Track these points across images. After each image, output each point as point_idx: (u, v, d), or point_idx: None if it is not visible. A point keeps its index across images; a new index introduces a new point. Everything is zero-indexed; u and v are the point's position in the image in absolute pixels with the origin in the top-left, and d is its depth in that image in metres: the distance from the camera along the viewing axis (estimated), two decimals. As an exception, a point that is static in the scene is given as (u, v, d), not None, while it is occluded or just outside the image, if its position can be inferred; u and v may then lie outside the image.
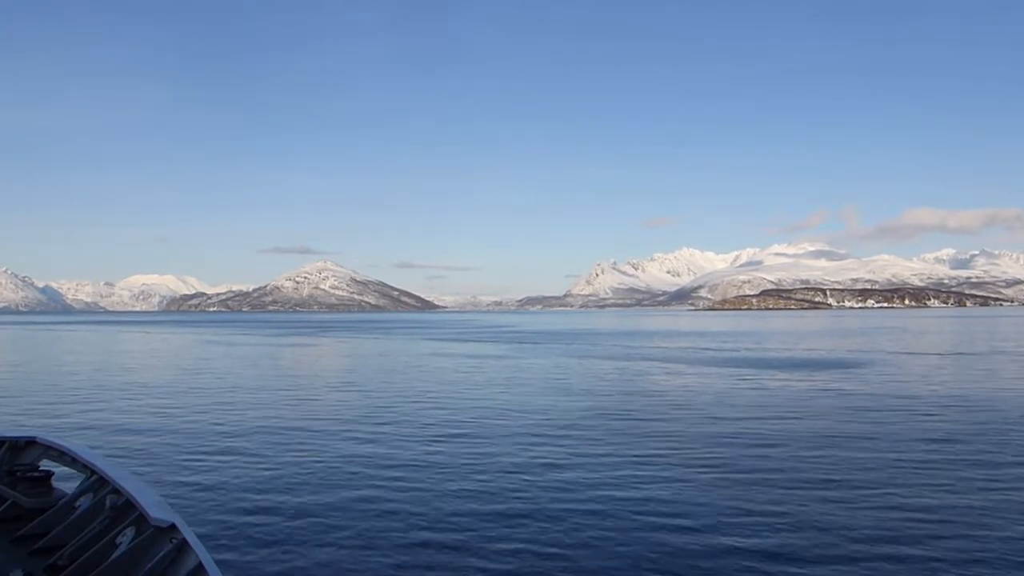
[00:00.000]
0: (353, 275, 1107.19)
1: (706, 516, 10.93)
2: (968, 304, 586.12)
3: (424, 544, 9.75)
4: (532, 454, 15.59)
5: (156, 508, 4.72)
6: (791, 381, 30.65)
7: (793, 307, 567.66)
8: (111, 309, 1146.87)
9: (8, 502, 5.93)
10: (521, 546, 9.65)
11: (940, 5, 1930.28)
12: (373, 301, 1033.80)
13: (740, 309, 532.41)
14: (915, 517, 10.76)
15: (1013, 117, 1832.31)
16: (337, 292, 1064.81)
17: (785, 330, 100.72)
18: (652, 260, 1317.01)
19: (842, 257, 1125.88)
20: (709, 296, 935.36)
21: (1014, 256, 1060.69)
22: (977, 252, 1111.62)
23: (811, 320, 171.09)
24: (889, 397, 24.88)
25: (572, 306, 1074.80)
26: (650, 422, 19.76)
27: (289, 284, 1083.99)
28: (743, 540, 9.80)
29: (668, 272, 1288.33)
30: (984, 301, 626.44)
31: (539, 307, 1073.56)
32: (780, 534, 10.04)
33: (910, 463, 14.46)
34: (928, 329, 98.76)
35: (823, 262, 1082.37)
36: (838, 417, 20.46)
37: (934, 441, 16.79)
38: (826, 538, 9.82)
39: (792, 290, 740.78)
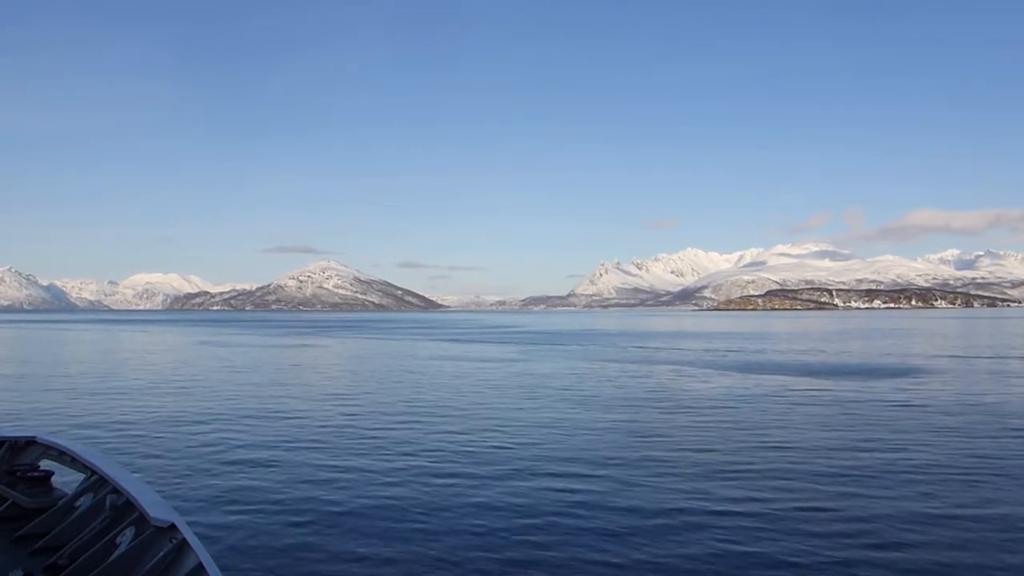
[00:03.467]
0: (356, 274, 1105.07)
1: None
2: (976, 305, 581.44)
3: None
4: (569, 487, 12.47)
5: (156, 508, 4.71)
6: (850, 392, 27.36)
7: (799, 307, 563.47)
8: (115, 307, 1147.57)
9: (8, 502, 5.90)
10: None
11: (944, 5, 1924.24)
12: (377, 300, 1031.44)
13: (745, 309, 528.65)
14: None
15: (1017, 118, 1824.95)
16: (340, 291, 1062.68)
17: (802, 331, 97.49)
18: (656, 260, 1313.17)
19: (846, 258, 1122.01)
20: (713, 296, 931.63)
21: (1019, 257, 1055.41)
22: (982, 253, 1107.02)
23: (823, 321, 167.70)
24: (990, 416, 21.46)
25: (576, 306, 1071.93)
26: (710, 452, 15.94)
27: (292, 283, 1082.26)
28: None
29: (672, 272, 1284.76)
30: (992, 302, 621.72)
31: (543, 307, 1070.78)
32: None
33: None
34: (952, 331, 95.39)
35: (827, 262, 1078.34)
36: (943, 445, 16.43)
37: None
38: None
39: (797, 290, 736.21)
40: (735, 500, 11.69)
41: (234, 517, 10.90)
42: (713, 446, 16.38)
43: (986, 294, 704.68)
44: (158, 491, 5.11)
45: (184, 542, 4.30)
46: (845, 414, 21.11)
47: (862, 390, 27.22)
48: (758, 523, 10.45)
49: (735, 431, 18.36)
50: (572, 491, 12.31)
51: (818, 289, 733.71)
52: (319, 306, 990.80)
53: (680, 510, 11.15)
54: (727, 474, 13.55)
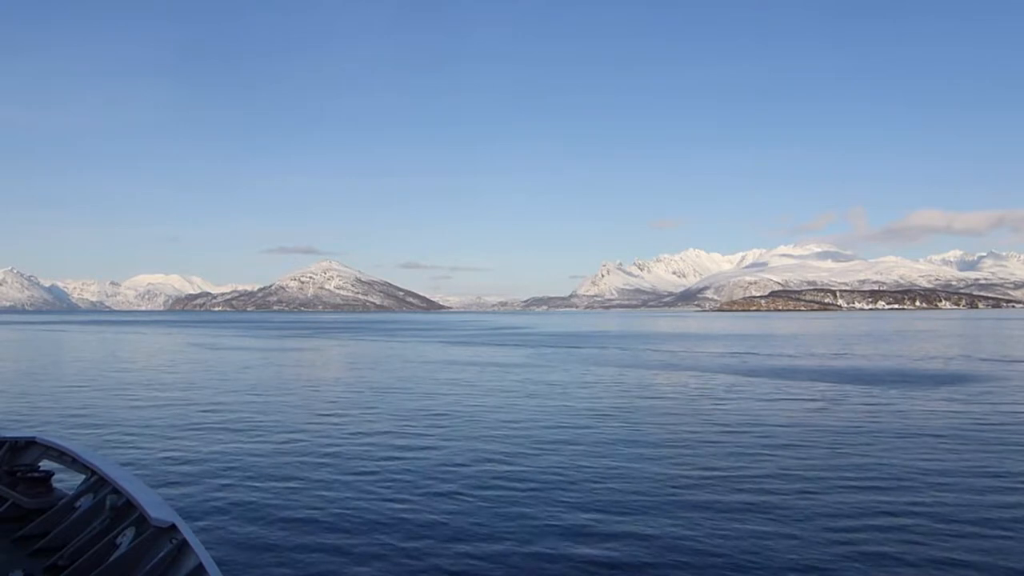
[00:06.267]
0: (358, 275, 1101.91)
1: None
2: (980, 306, 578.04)
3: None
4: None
5: (156, 508, 4.70)
6: (917, 405, 24.42)
7: (803, 308, 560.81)
8: (116, 308, 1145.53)
9: (8, 502, 5.91)
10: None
11: (947, 6, 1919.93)
12: (378, 301, 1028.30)
13: (749, 310, 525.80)
14: None
15: (1020, 118, 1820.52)
16: (342, 292, 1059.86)
17: (815, 333, 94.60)
18: (658, 261, 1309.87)
19: (848, 258, 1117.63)
20: (715, 297, 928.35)
21: (1022, 258, 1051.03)
22: (984, 254, 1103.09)
23: (833, 323, 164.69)
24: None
25: (577, 307, 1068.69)
26: (797, 516, 11.16)
27: (294, 284, 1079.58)
28: None
29: (674, 273, 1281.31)
30: (996, 303, 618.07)
31: (544, 308, 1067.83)
32: None
33: None
34: (972, 332, 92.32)
35: (829, 263, 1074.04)
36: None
37: None
38: None
39: (801, 291, 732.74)
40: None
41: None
42: (799, 495, 12.99)
43: (989, 295, 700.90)
44: (158, 492, 5.11)
45: (184, 542, 4.30)
46: (932, 437, 18.03)
47: (929, 403, 24.20)
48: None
49: (813, 464, 15.21)
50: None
51: (821, 290, 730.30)
52: (320, 307, 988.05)
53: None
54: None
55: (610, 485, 13.05)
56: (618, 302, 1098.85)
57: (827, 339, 75.89)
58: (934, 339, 73.72)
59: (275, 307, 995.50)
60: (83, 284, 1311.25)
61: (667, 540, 9.88)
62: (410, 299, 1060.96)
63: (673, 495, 12.33)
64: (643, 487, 12.85)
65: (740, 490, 12.63)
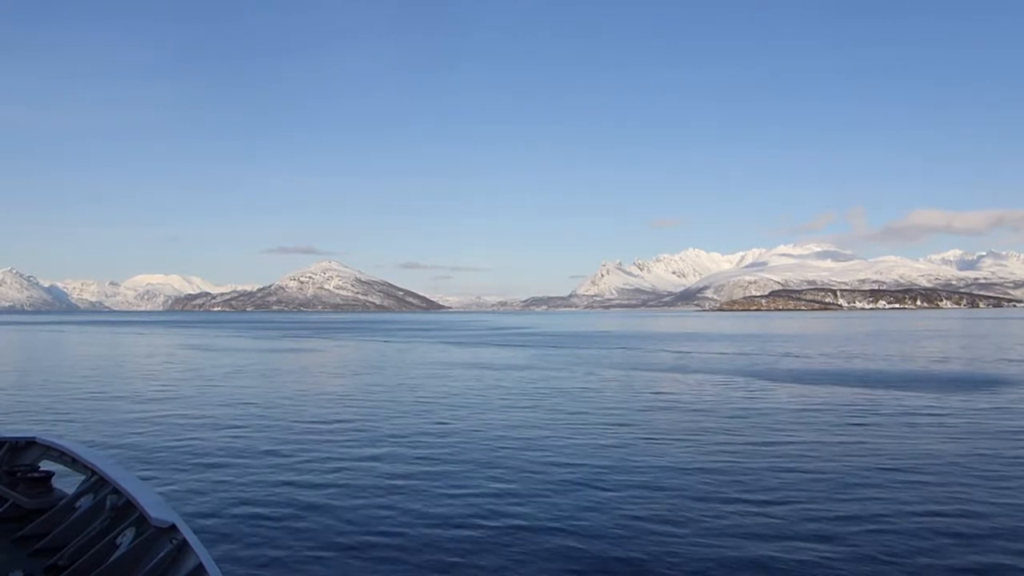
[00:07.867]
0: (358, 275, 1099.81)
1: None
2: (981, 305, 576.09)
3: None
4: None
5: (156, 508, 4.70)
6: (958, 412, 22.62)
7: (803, 308, 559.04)
8: (116, 308, 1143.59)
9: (8, 503, 5.90)
10: None
11: (947, 6, 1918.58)
12: (378, 301, 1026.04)
13: (749, 310, 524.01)
14: None
15: (1019, 118, 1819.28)
16: (342, 292, 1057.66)
17: (821, 333, 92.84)
18: (657, 261, 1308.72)
19: (848, 258, 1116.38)
20: (715, 297, 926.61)
21: (1022, 257, 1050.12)
22: (984, 253, 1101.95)
23: (837, 323, 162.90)
24: None
25: (577, 307, 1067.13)
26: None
27: (293, 284, 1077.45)
28: None
29: (673, 273, 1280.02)
30: (997, 302, 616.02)
31: (544, 308, 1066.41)
32: None
33: None
34: (983, 331, 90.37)
35: (829, 263, 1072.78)
36: None
37: None
38: None
39: (801, 291, 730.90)
40: None
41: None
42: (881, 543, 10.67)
43: (989, 294, 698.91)
44: (158, 492, 5.07)
45: (184, 543, 4.30)
46: (1002, 460, 16.26)
47: (976, 412, 22.32)
48: None
49: (876, 496, 13.26)
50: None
51: (822, 289, 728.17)
52: (320, 307, 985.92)
53: None
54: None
55: (654, 527, 10.67)
56: (618, 302, 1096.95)
57: (835, 339, 74.09)
58: (947, 339, 71.92)
59: (274, 307, 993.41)
60: (82, 284, 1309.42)
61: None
62: (410, 299, 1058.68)
63: (730, 550, 9.51)
64: (692, 533, 10.28)
65: (803, 536, 11.14)
